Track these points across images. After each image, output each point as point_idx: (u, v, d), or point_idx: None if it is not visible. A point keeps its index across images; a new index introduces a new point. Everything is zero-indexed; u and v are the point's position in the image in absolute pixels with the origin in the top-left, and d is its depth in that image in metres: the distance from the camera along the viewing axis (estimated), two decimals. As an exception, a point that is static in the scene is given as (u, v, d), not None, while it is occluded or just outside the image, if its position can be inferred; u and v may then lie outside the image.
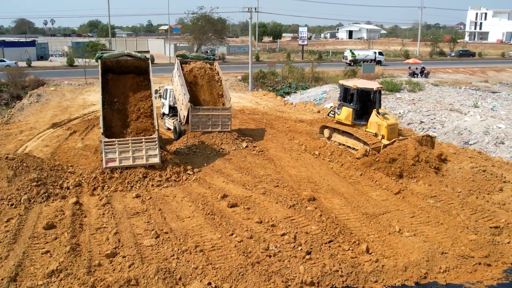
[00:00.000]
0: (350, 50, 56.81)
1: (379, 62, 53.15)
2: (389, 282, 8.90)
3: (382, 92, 29.99)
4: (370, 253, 9.65)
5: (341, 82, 17.90)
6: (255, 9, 33.95)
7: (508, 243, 10.29)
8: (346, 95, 17.14)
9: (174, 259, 9.16)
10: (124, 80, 15.54)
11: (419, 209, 12.01)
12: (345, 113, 17.15)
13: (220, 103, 18.42)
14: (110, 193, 12.81)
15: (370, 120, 16.50)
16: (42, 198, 12.22)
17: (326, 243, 10.02)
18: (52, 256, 9.27)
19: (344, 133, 17.12)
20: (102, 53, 15.49)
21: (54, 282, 8.30)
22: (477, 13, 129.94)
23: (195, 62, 18.98)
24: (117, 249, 9.53)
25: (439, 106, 26.04)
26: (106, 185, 13.18)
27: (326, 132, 18.19)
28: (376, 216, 11.47)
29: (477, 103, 26.50)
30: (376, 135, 16.19)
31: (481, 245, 10.10)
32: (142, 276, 8.46)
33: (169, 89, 20.65)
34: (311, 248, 9.78)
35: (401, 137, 16.09)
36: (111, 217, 11.16)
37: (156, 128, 14.19)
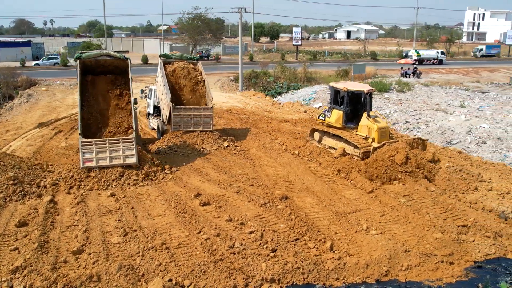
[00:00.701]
0: (416, 50, 58.77)
1: (441, 62, 54.83)
2: (350, 279, 9.01)
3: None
4: (334, 251, 9.77)
5: (331, 84, 17.52)
6: (245, 9, 34.10)
7: (473, 241, 10.39)
8: (337, 98, 16.81)
9: (139, 256, 9.29)
10: (104, 80, 15.69)
11: (389, 207, 12.12)
12: (336, 116, 16.79)
13: (203, 103, 18.56)
14: (85, 191, 12.95)
15: (361, 123, 16.14)
16: (18, 197, 12.35)
17: (292, 241, 10.14)
18: (20, 253, 9.40)
19: (334, 136, 16.78)
20: (81, 53, 15.63)
21: (17, 278, 8.42)
22: (474, 14, 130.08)
23: (178, 62, 19.15)
24: (84, 246, 9.66)
25: (426, 106, 26.15)
26: (82, 184, 13.32)
27: (316, 135, 17.76)
28: (346, 215, 11.58)
29: (463, 103, 26.61)
30: (366, 138, 15.86)
31: (445, 243, 10.21)
32: (104, 272, 8.58)
33: (154, 89, 20.78)
34: (277, 246, 9.89)
35: (391, 140, 15.65)
36: (83, 215, 11.30)
37: (134, 128, 14.32)
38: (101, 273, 8.56)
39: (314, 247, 9.92)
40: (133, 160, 13.90)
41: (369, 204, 12.40)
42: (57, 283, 8.20)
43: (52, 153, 17.07)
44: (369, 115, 16.07)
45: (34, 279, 8.34)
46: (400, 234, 10.65)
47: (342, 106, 16.62)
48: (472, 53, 76.24)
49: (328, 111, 17.30)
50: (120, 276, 8.52)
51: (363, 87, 16.76)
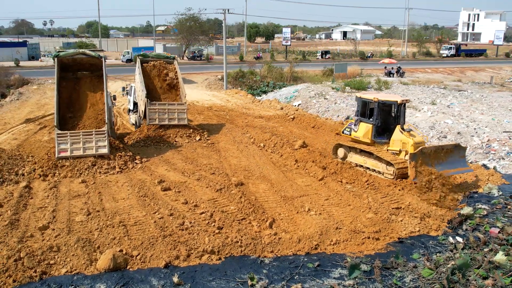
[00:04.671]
0: None
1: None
2: (283, 252, 10.13)
3: (348, 91, 31.35)
4: (272, 228, 10.92)
5: (359, 95, 16.02)
6: (228, 10, 35.35)
7: (401, 220, 11.54)
8: (365, 110, 15.37)
9: (97, 231, 10.44)
10: (80, 77, 16.89)
11: (335, 193, 13.28)
12: (364, 129, 15.35)
13: (177, 99, 19.76)
14: (59, 179, 14.13)
15: (393, 138, 14.64)
16: (-3, 183, 13.54)
17: (238, 220, 11.29)
18: (-8, 229, 10.56)
19: (362, 152, 15.18)
20: (58, 51, 16.83)
21: (-13, 249, 9.59)
22: (469, 14, 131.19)
23: (155, 62, 20.36)
24: (50, 223, 10.82)
25: (398, 103, 27.27)
26: (57, 172, 14.50)
27: (341, 151, 16.09)
28: (293, 199, 12.73)
29: (435, 101, 27.76)
30: (399, 152, 14.46)
31: (375, 222, 11.35)
32: (64, 244, 9.74)
33: (134, 86, 21.97)
34: (223, 224, 11.03)
35: (428, 146, 14.33)
36: (53, 198, 12.47)
37: (106, 121, 15.50)
38: (60, 244, 9.73)
39: (256, 225, 11.07)
40: (105, 150, 15.07)
41: (317, 190, 13.55)
42: (20, 252, 9.35)
43: (34, 145, 18.24)
44: (403, 128, 14.64)
45: (1, 249, 9.50)
46: (337, 215, 11.79)
47: (371, 119, 15.17)
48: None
49: (355, 125, 15.80)
50: (77, 247, 9.68)
51: (396, 97, 15.26)
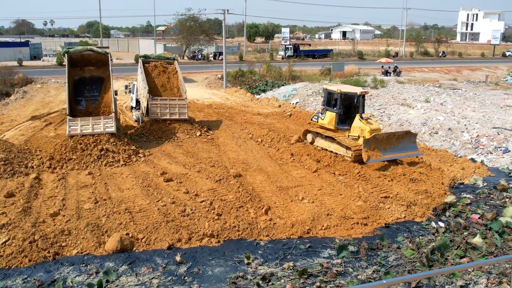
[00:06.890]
0: None
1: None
2: (278, 236, 10.92)
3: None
4: (268, 214, 11.70)
5: (325, 86, 17.88)
6: (228, 11, 36.15)
7: (389, 208, 12.33)
8: (330, 100, 17.15)
9: (104, 217, 11.22)
10: (89, 72, 17.78)
11: (328, 183, 14.06)
12: (329, 117, 17.14)
13: (178, 95, 20.57)
14: (67, 171, 14.92)
15: (353, 125, 16.49)
16: (8, 175, 14.30)
17: (236, 208, 12.07)
18: (6, 215, 11.34)
19: (327, 137, 17.03)
20: (68, 48, 17.76)
21: (3, 233, 10.35)
22: (468, 14, 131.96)
23: (157, 62, 21.24)
24: (60, 210, 11.60)
25: (393, 101, 28.08)
26: (65, 165, 15.29)
27: (309, 136, 18.06)
28: (288, 189, 13.52)
29: (429, 99, 28.53)
30: (358, 137, 16.20)
31: (364, 209, 12.13)
32: (74, 228, 10.53)
33: (136, 85, 22.76)
34: (222, 211, 11.82)
35: (381, 133, 15.88)
36: (62, 189, 13.25)
37: (113, 111, 16.39)
38: (71, 229, 10.52)
39: (253, 212, 11.84)
40: (112, 129, 15.98)
41: (311, 181, 14.33)
42: (34, 235, 10.14)
43: (41, 141, 19.00)
44: (361, 117, 16.45)
45: (17, 233, 10.28)
46: (329, 203, 12.57)
47: (335, 108, 16.93)
48: None
49: (321, 113, 17.59)
50: (87, 231, 10.47)
51: (356, 89, 17.07)
